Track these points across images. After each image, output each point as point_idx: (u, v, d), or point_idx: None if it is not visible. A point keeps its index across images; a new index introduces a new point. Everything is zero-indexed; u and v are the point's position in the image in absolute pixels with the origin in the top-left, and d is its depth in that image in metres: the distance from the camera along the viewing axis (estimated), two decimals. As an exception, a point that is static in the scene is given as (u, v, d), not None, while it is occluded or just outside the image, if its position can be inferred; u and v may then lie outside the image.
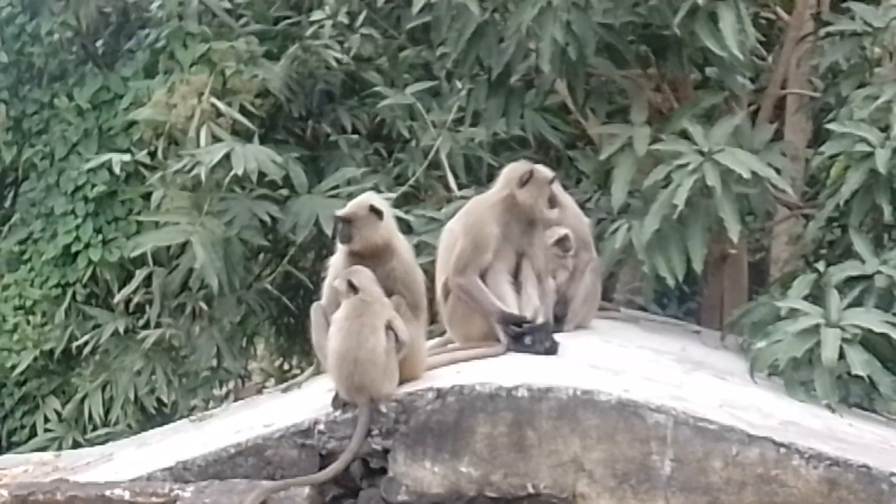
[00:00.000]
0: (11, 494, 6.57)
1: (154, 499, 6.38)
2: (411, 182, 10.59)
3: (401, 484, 6.44)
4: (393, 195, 9.86)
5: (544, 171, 7.87)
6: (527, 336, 7.36)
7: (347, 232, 6.94)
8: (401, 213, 9.10)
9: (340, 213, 7.04)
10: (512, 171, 7.82)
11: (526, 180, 7.70)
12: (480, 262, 7.50)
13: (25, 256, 11.90)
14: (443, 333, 7.94)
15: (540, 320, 7.49)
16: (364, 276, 6.74)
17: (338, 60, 11.38)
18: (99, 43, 12.45)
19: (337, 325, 6.64)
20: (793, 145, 10.39)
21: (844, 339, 7.53)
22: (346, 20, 11.48)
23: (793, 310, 7.85)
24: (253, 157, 10.26)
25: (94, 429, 11.22)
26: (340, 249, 7.04)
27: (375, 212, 6.93)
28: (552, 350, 7.30)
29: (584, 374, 6.75)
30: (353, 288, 6.67)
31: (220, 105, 10.86)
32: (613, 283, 10.62)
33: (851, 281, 8.10)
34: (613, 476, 6.27)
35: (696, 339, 9.16)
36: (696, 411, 6.32)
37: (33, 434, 11.59)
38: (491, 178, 8.94)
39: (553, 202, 7.78)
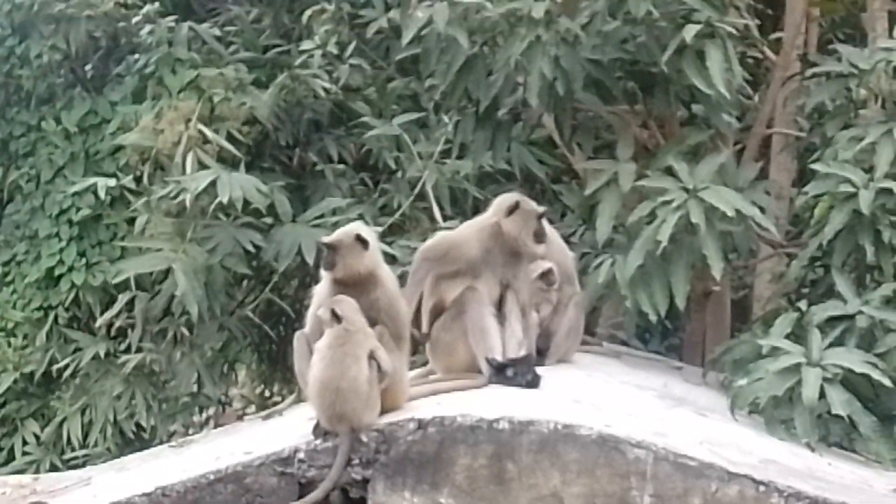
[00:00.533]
0: (-11, 517, 6.54)
1: (132, 524, 6.35)
2: (398, 214, 10.61)
3: (380, 514, 6.43)
4: (380, 228, 9.88)
5: (532, 204, 7.92)
6: (509, 368, 7.37)
7: (331, 259, 6.96)
8: (385, 246, 9.11)
9: (326, 240, 7.06)
10: (502, 200, 7.91)
11: (512, 210, 7.75)
12: (441, 266, 7.59)
13: (8, 278, 11.86)
14: (425, 364, 7.95)
15: (522, 353, 7.50)
16: (347, 305, 6.74)
17: (326, 90, 11.41)
18: (88, 67, 12.46)
19: (319, 354, 6.64)
20: (777, 184, 10.43)
21: (825, 379, 7.56)
22: (335, 50, 11.52)
23: (774, 348, 7.87)
24: (238, 185, 10.27)
25: (73, 452, 11.17)
26: (325, 278, 7.05)
27: (361, 241, 6.95)
28: (534, 383, 7.31)
29: (565, 408, 6.76)
30: (336, 317, 6.68)
31: (208, 132, 10.87)
32: (596, 317, 10.63)
33: (833, 320, 8.13)
34: (593, 511, 6.27)
35: (677, 375, 9.18)
36: (676, 447, 6.33)
37: (11, 457, 11.51)
38: (476, 210, 8.99)
39: (539, 237, 7.82)
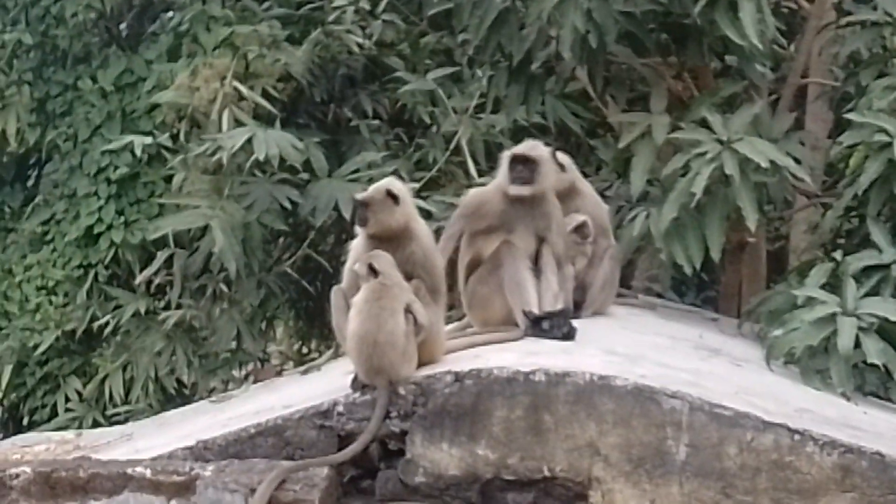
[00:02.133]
0: (35, 471, 6.64)
1: (175, 477, 6.44)
2: (434, 169, 10.64)
3: (418, 466, 6.49)
4: (416, 185, 9.91)
5: (520, 148, 7.83)
6: (545, 321, 7.40)
7: (364, 215, 7.00)
8: (420, 201, 9.16)
9: (359, 196, 7.11)
10: None
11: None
12: (469, 224, 7.66)
13: (48, 237, 11.97)
14: (462, 318, 8.00)
15: (559, 306, 7.53)
16: (384, 260, 6.79)
17: (360, 46, 11.44)
18: (123, 25, 12.52)
19: (356, 309, 6.70)
20: (813, 135, 10.40)
21: (860, 328, 7.57)
22: (367, 6, 11.53)
23: (810, 298, 7.88)
24: (274, 142, 10.31)
25: (115, 408, 11.30)
26: (360, 233, 7.10)
27: (392, 196, 6.98)
28: (570, 335, 7.34)
29: (601, 360, 6.80)
30: (373, 272, 6.73)
31: (243, 89, 10.92)
32: (632, 270, 10.66)
33: (868, 270, 8.13)
34: (629, 461, 6.32)
35: (713, 326, 9.20)
36: (711, 397, 6.37)
37: (54, 413, 11.66)
38: (511, 164, 8.98)
39: (514, 177, 7.66)
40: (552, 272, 7.63)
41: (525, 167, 7.64)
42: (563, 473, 6.37)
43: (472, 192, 7.94)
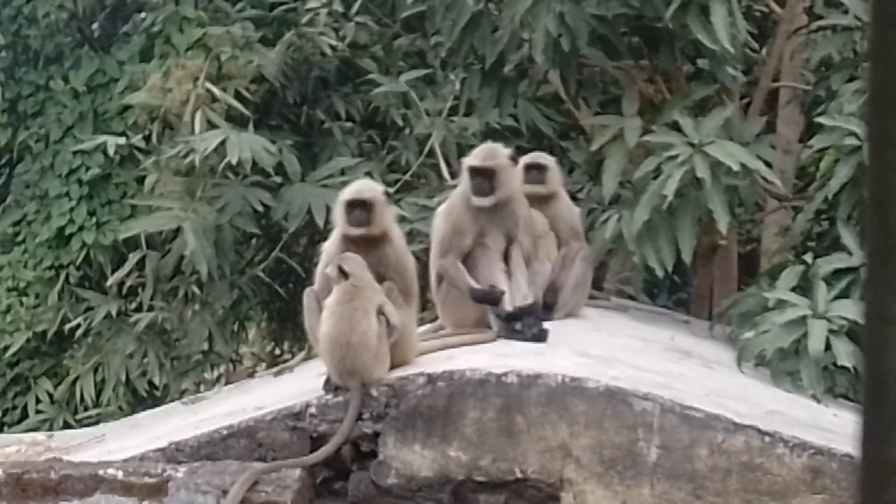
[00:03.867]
0: (6, 473, 6.62)
1: (147, 479, 6.43)
2: (409, 172, 10.66)
3: (390, 467, 6.51)
4: (391, 189, 9.91)
5: (478, 157, 7.71)
6: (516, 322, 7.42)
7: (364, 216, 6.96)
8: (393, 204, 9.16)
9: (363, 196, 7.02)
10: None
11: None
12: (459, 244, 7.55)
13: (19, 238, 11.94)
14: (434, 319, 8.01)
15: (530, 300, 7.54)
16: (354, 262, 6.80)
17: (333, 47, 11.44)
18: (95, 26, 12.49)
19: (329, 310, 6.71)
20: (784, 138, 10.45)
21: (831, 331, 7.62)
22: (341, 8, 11.53)
23: (780, 301, 7.92)
24: (247, 145, 10.31)
25: (86, 410, 11.27)
26: (334, 235, 7.10)
27: (387, 195, 7.07)
28: (541, 336, 7.35)
29: (573, 362, 6.82)
30: (343, 274, 6.74)
31: (215, 90, 10.92)
32: (603, 272, 10.69)
33: (839, 273, 8.17)
34: (600, 462, 6.34)
35: (684, 328, 9.23)
36: (682, 399, 6.40)
37: (25, 415, 11.62)
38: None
39: (475, 189, 7.58)
40: (521, 273, 7.65)
41: (483, 178, 7.62)
42: (534, 475, 6.40)
43: (444, 212, 7.79)
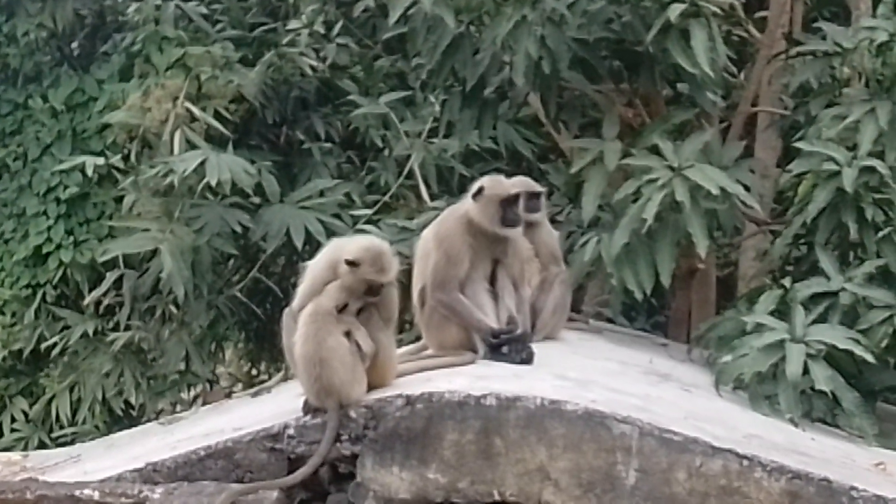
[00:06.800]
0: (-20, 493, 6.59)
1: (123, 499, 6.40)
2: (388, 194, 10.65)
3: (368, 489, 6.48)
4: (370, 211, 9.93)
5: (501, 186, 7.66)
6: (504, 346, 7.41)
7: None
8: (372, 226, 9.16)
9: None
10: (476, 183, 7.72)
11: (476, 194, 7.62)
12: (457, 273, 7.50)
13: (-4, 256, 11.91)
14: (415, 340, 7.99)
15: (518, 331, 7.53)
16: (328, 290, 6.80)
17: (313, 68, 11.45)
18: (74, 45, 12.49)
19: (299, 333, 6.71)
20: (762, 162, 10.49)
21: (809, 355, 7.64)
22: (322, 29, 11.54)
23: (759, 325, 7.94)
24: (227, 166, 10.29)
25: (62, 429, 11.22)
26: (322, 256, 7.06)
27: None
28: (528, 360, 7.35)
29: (551, 385, 6.81)
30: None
31: (195, 110, 10.90)
32: (582, 295, 10.69)
33: (817, 297, 8.20)
34: (579, 485, 6.33)
35: (663, 351, 9.24)
36: (661, 423, 6.39)
37: (0, 434, 11.57)
38: (462, 188, 8.99)
39: (507, 222, 7.58)
40: (509, 295, 7.64)
41: (514, 206, 7.58)
42: (513, 498, 6.38)
43: (435, 239, 7.63)
